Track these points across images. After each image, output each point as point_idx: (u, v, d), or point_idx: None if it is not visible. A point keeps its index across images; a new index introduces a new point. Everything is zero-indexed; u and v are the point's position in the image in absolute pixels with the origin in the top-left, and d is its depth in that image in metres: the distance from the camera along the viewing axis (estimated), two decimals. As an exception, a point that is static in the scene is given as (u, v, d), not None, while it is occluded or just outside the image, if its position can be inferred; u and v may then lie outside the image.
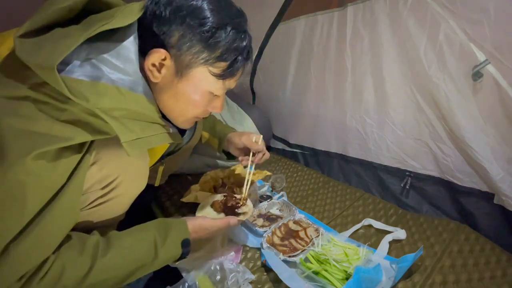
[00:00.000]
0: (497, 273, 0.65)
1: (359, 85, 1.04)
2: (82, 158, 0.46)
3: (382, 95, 0.98)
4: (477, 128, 0.78)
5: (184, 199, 0.83)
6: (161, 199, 0.95)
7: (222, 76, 0.54)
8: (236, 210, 0.73)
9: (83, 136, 0.44)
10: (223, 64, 0.53)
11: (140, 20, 0.49)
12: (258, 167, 1.18)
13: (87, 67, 0.44)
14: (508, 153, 0.75)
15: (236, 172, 0.98)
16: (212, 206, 0.74)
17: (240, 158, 0.85)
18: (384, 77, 0.95)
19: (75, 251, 0.46)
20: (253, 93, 1.60)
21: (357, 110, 1.07)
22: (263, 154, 0.84)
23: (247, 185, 0.79)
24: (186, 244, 0.58)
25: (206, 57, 0.51)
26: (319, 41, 1.14)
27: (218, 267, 0.66)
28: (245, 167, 0.84)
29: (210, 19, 0.49)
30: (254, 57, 1.45)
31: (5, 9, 1.26)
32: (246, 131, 0.90)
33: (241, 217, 0.69)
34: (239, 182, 0.97)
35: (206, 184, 0.91)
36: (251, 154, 0.82)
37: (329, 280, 0.62)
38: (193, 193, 0.83)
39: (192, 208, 0.89)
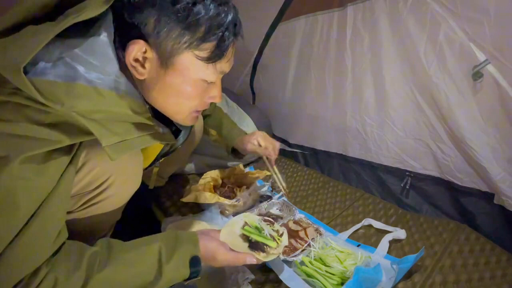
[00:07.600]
0: (497, 273, 0.65)
1: (359, 85, 1.04)
2: (71, 159, 0.44)
3: (382, 95, 0.98)
4: (477, 128, 0.78)
5: (184, 199, 0.83)
6: (161, 199, 0.95)
7: (210, 59, 0.48)
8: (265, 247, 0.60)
9: (71, 138, 0.42)
10: (209, 45, 0.47)
11: (114, 11, 0.43)
12: (259, 166, 1.19)
13: (60, 67, 0.39)
14: (508, 153, 0.75)
15: (236, 172, 0.98)
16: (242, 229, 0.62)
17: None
18: (384, 77, 0.95)
19: (71, 263, 0.43)
20: (253, 93, 1.60)
21: (357, 110, 1.07)
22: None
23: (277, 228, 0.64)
24: (195, 263, 0.51)
25: (188, 40, 0.45)
26: (319, 41, 1.14)
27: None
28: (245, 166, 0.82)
29: None
30: (254, 57, 1.45)
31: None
32: (248, 135, 0.87)
33: (263, 257, 0.57)
34: (239, 182, 0.97)
35: (206, 184, 0.91)
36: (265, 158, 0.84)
37: (324, 285, 0.62)
38: (193, 193, 0.83)
39: (192, 208, 0.90)
